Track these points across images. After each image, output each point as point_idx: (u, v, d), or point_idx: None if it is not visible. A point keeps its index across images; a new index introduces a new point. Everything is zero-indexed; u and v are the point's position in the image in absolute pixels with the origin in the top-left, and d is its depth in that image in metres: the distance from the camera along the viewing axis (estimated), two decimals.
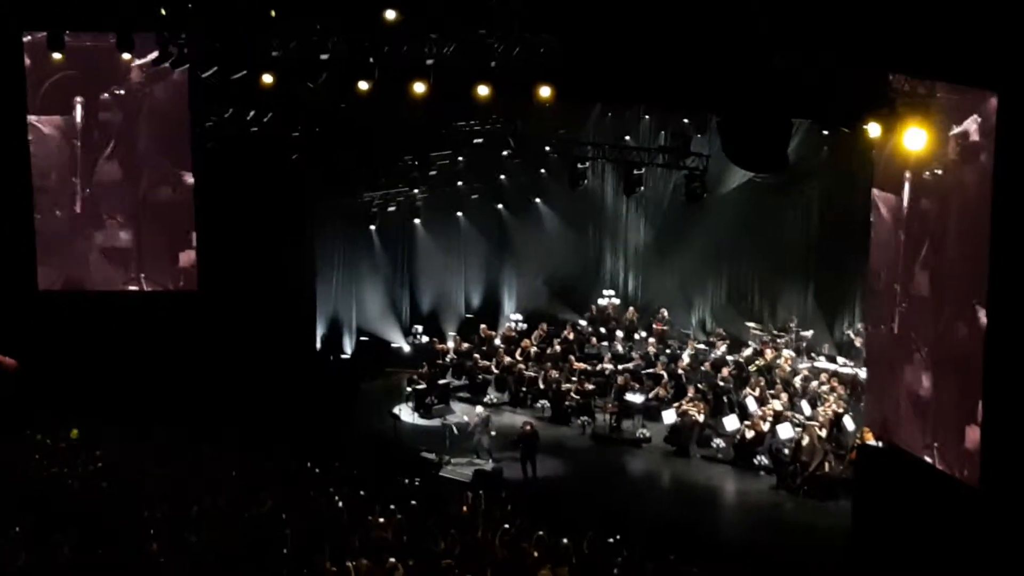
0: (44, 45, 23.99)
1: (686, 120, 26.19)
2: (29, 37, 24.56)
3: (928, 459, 17.28)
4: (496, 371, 28.03)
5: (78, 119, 25.72)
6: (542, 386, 26.98)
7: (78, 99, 25.70)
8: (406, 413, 26.17)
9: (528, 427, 23.35)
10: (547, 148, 27.27)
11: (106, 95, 25.71)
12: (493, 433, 23.79)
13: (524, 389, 27.26)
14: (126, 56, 24.04)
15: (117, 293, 26.13)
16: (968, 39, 14.01)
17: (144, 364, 24.69)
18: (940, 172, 16.63)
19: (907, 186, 17.66)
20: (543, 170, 30.64)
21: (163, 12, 21.53)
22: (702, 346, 29.25)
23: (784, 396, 25.02)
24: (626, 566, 15.69)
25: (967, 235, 16.20)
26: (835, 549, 19.66)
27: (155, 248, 26.37)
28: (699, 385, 26.19)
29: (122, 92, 25.67)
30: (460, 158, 29.29)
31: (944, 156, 16.36)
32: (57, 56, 24.20)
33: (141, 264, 26.27)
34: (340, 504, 17.66)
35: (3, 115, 25.35)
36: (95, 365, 24.49)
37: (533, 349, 28.94)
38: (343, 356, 29.04)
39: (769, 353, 27.74)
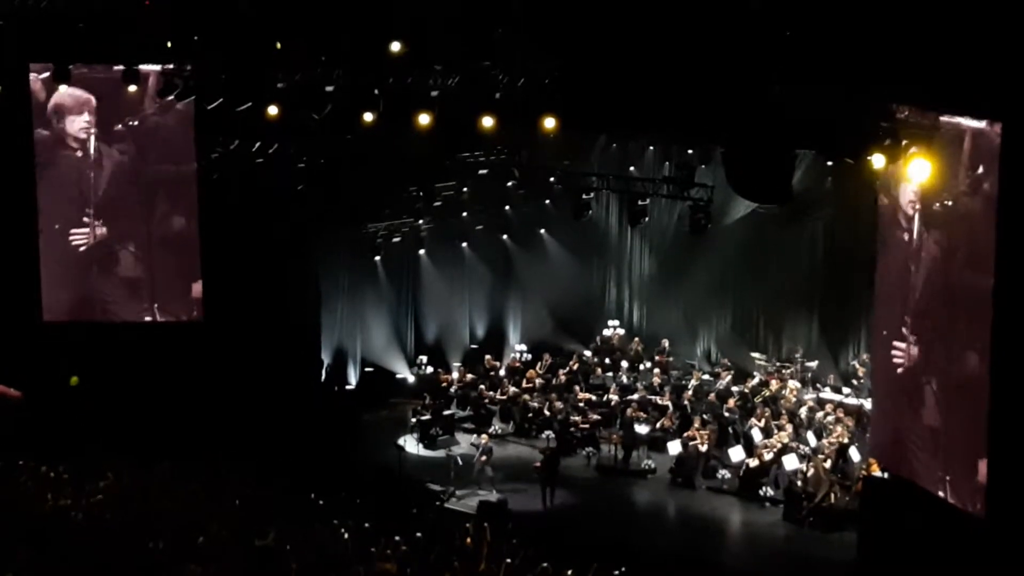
0: (86, 78, 24.14)
1: (690, 151, 26.28)
2: (47, 73, 24.46)
3: (941, 493, 17.07)
4: (501, 402, 28.00)
5: (92, 150, 25.69)
6: (547, 415, 26.93)
7: (92, 130, 25.66)
8: (411, 444, 26.14)
9: (548, 451, 23.44)
10: (551, 179, 27.33)
11: (120, 126, 25.66)
12: (485, 459, 23.71)
13: (530, 419, 27.21)
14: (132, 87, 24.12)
15: (121, 324, 26.08)
16: (970, 69, 14.03)
17: (147, 395, 24.61)
18: (950, 203, 16.49)
19: (917, 217, 17.51)
20: (548, 201, 30.72)
21: (168, 44, 21.58)
22: (707, 377, 29.23)
23: (789, 427, 24.98)
24: None
25: (976, 266, 16.10)
26: None
27: (168, 279, 26.22)
28: (704, 416, 26.15)
29: (136, 123, 25.61)
30: (465, 189, 29.38)
31: (954, 187, 16.27)
32: (64, 88, 24.29)
33: (154, 295, 26.15)
34: (345, 536, 17.58)
35: (9, 146, 25.37)
36: (98, 396, 24.45)
37: (538, 380, 28.90)
38: (347, 387, 29.04)
39: (774, 384, 27.73)
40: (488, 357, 30.49)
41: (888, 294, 18.84)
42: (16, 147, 25.34)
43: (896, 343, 18.35)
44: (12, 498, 18.53)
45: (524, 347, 31.61)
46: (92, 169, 25.68)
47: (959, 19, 13.61)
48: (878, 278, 19.26)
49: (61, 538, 16.50)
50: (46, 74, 24.47)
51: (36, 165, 25.53)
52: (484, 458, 23.67)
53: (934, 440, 17.35)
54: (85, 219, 25.79)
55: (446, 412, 27.47)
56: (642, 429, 25.61)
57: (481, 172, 27.62)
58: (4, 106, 24.54)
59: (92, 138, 25.58)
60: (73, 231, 25.87)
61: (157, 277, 26.10)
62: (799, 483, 22.54)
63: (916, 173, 15.16)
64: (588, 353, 31.37)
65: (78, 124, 25.54)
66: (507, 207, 31.45)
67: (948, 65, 14.01)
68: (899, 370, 18.40)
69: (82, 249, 25.93)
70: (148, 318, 26.07)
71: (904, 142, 15.11)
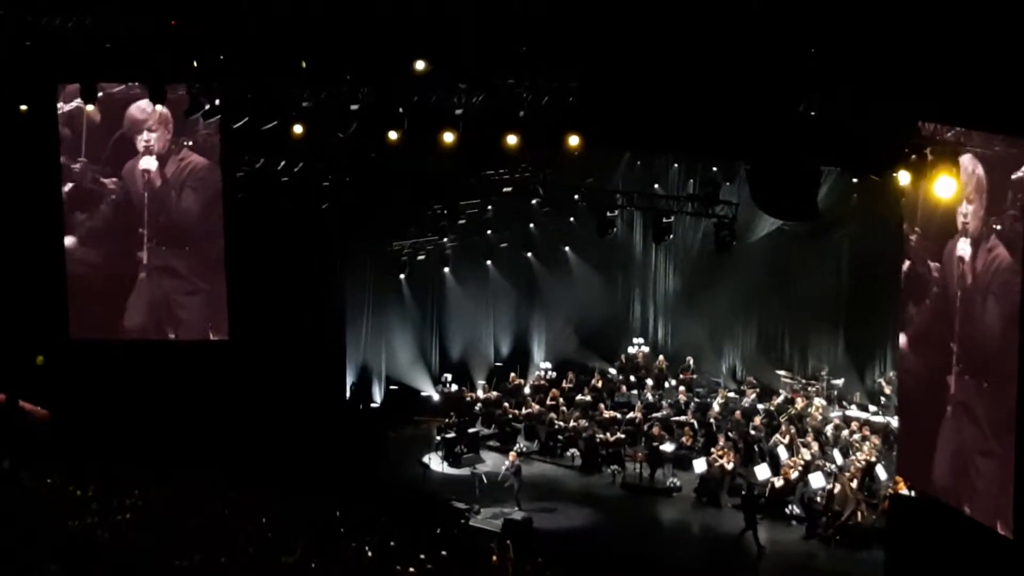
0: (116, 98, 24.50)
1: (715, 168, 26.24)
2: (101, 92, 24.38)
3: (1002, 531, 16.27)
4: (526, 419, 27.97)
5: (147, 169, 25.75)
6: (572, 433, 26.88)
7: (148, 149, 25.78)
8: (435, 462, 26.14)
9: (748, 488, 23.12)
10: (576, 196, 27.32)
11: (175, 145, 25.76)
12: (513, 475, 23.73)
13: (560, 437, 27.14)
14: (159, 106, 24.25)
15: (147, 342, 26.13)
16: (997, 86, 13.97)
17: (174, 413, 24.70)
18: (999, 227, 16.11)
19: (964, 241, 17.02)
20: (572, 218, 30.66)
21: (195, 63, 21.68)
22: (732, 394, 29.14)
23: (815, 445, 24.87)
24: None
25: None
26: None
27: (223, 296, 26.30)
28: (730, 434, 26.08)
29: (191, 143, 25.71)
30: (489, 207, 29.41)
31: (1002, 210, 15.95)
32: (90, 108, 24.44)
33: (213, 313, 26.20)
34: (369, 553, 17.59)
35: (38, 168, 25.54)
36: (126, 414, 24.54)
37: (562, 398, 28.86)
38: (372, 405, 29.06)
39: (800, 401, 27.62)
40: (513, 375, 30.49)
41: (925, 318, 18.29)
42: (43, 165, 25.52)
43: (942, 372, 17.94)
44: (40, 517, 18.62)
45: (549, 365, 31.56)
46: (148, 189, 25.75)
47: (984, 35, 13.56)
48: (912, 303, 18.85)
49: (87, 557, 16.56)
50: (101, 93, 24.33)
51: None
52: (513, 475, 23.65)
53: (998, 476, 16.63)
54: (140, 239, 25.87)
55: (471, 430, 27.47)
56: (667, 447, 25.55)
57: (505, 190, 27.63)
58: (32, 125, 24.76)
59: (148, 158, 25.66)
60: (130, 251, 25.94)
61: (215, 295, 26.09)
62: (818, 499, 22.47)
63: (942, 190, 15.03)
64: (613, 371, 31.34)
65: (141, 143, 25.66)
66: (531, 225, 31.46)
67: (973, 81, 13.95)
68: (941, 398, 17.82)
69: (139, 269, 25.98)
70: (215, 336, 26.08)
71: (930, 159, 15.01)
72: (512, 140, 19.83)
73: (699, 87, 15.94)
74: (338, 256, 27.56)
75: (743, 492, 23.10)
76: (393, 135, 20.91)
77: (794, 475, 23.29)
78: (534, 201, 29.14)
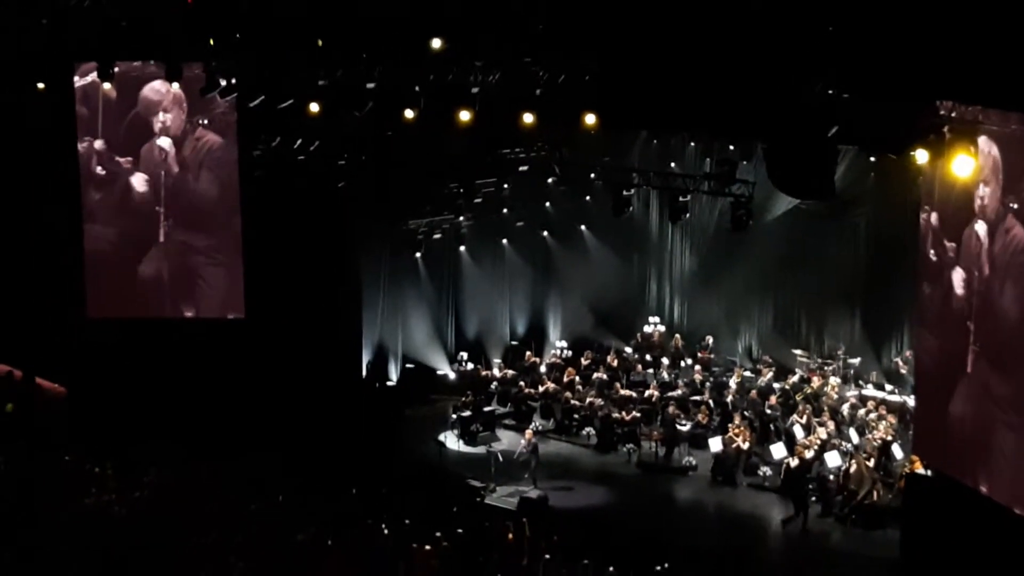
0: (132, 77, 24.52)
1: (732, 147, 26.16)
2: (117, 69, 24.36)
3: (1019, 511, 16.33)
4: (541, 398, 27.98)
5: (163, 148, 25.77)
6: (588, 412, 26.89)
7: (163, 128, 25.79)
8: (451, 440, 26.17)
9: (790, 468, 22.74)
10: (592, 175, 27.27)
11: (190, 125, 25.77)
12: (530, 453, 23.78)
13: (575, 416, 27.14)
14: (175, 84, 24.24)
15: (163, 321, 26.17)
16: (1015, 63, 13.88)
17: (190, 391, 24.77)
18: (1015, 206, 16.10)
19: (982, 222, 17.01)
20: (588, 197, 30.64)
21: (211, 42, 21.66)
22: (748, 374, 29.10)
23: (831, 424, 24.84)
24: None
25: None
26: None
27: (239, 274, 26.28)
28: (746, 413, 26.07)
29: (206, 121, 25.70)
30: (505, 185, 29.37)
31: (1020, 188, 15.94)
32: (107, 86, 24.45)
33: (229, 291, 26.21)
34: (385, 531, 17.65)
35: (55, 146, 25.56)
36: (142, 392, 24.61)
37: (578, 376, 28.85)
38: (388, 383, 29.07)
39: (816, 381, 27.56)
40: (528, 353, 30.48)
41: (942, 298, 18.28)
42: (60, 143, 25.54)
43: (959, 352, 17.85)
44: (57, 493, 18.72)
45: (564, 343, 31.55)
46: (164, 168, 25.76)
47: (1001, 13, 13.48)
48: (930, 281, 18.79)
49: (104, 533, 16.64)
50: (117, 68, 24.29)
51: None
52: (530, 452, 23.69)
53: (1004, 450, 16.68)
54: (157, 218, 25.89)
55: (486, 408, 27.50)
56: (683, 426, 25.55)
57: (521, 169, 27.59)
58: (49, 103, 24.78)
59: (165, 137, 25.66)
60: (146, 229, 25.96)
61: (233, 275, 26.07)
62: (831, 477, 22.45)
63: (960, 169, 14.96)
64: (629, 350, 31.31)
65: (157, 123, 25.67)
66: (547, 203, 31.43)
67: (990, 59, 13.87)
68: (958, 377, 17.83)
69: (153, 247, 26.01)
70: (231, 315, 26.08)
71: (948, 137, 14.93)
72: (528, 119, 19.81)
73: (716, 65, 15.88)
74: (354, 235, 27.54)
75: (788, 475, 22.93)
76: (409, 114, 20.88)
77: (810, 454, 23.25)
78: (550, 180, 29.12)
